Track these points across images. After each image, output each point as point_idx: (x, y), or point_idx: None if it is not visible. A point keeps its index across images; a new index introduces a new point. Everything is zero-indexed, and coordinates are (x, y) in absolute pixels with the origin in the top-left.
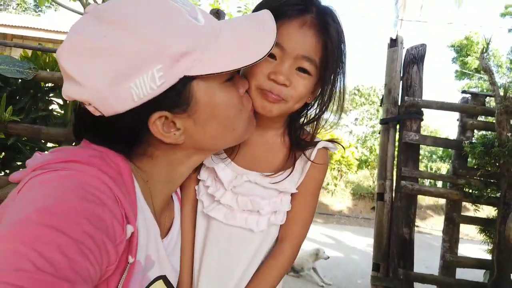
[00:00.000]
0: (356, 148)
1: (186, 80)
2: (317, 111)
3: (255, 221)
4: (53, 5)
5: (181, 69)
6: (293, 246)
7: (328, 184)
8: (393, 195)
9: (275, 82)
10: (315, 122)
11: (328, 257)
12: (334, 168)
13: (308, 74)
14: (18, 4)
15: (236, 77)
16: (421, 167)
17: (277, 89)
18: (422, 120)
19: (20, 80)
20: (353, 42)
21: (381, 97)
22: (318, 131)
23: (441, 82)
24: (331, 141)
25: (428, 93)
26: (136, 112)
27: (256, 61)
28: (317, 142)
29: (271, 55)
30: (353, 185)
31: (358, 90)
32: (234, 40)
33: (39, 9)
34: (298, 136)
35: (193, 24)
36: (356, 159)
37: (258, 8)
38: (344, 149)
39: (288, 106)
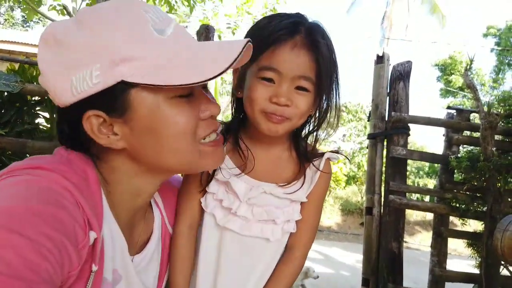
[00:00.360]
0: (344, 164)
1: (125, 86)
2: (315, 123)
3: (270, 230)
4: (41, 20)
5: (119, 73)
6: (303, 254)
7: None
8: (382, 209)
9: (277, 104)
10: (315, 134)
11: (318, 277)
12: None
13: (307, 91)
14: (5, 20)
15: (201, 99)
16: (408, 183)
17: (280, 110)
18: (409, 135)
19: (6, 93)
20: (339, 60)
21: (368, 113)
22: (319, 142)
23: (426, 100)
24: (335, 152)
25: (414, 110)
26: (76, 107)
27: (200, 82)
28: (323, 153)
29: (269, 80)
30: (342, 201)
31: (346, 107)
32: (192, 58)
33: (27, 24)
34: (305, 148)
35: (150, 35)
36: (344, 175)
37: (250, 35)
38: (350, 161)
39: (293, 123)
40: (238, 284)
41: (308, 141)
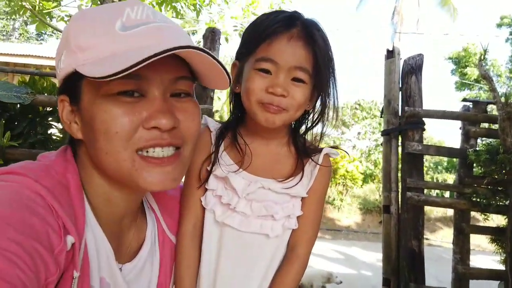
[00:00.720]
0: (361, 162)
1: (79, 75)
2: (315, 119)
3: (269, 226)
4: (55, 33)
5: (75, 62)
6: (306, 251)
7: (334, 199)
8: (399, 207)
9: (274, 94)
10: (320, 132)
11: (341, 282)
12: (339, 183)
13: (303, 82)
14: (20, 34)
15: (154, 106)
16: (427, 179)
17: (276, 100)
18: (424, 129)
19: (18, 105)
20: (350, 58)
21: (381, 109)
22: (320, 138)
23: (441, 94)
24: (333, 147)
25: (429, 105)
26: (59, 89)
27: (97, 77)
28: (322, 148)
29: (266, 71)
30: (360, 200)
31: (359, 104)
32: (118, 55)
33: (41, 37)
34: (304, 143)
35: (110, 29)
36: (361, 173)
37: (247, 31)
38: (348, 154)
39: (290, 115)
40: (240, 282)
41: (309, 138)
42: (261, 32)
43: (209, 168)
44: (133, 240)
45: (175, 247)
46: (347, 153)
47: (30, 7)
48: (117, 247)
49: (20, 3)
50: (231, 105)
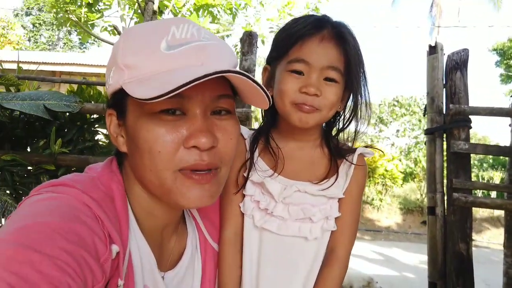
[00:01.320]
0: (400, 160)
1: (125, 93)
2: (346, 120)
3: (308, 228)
4: (96, 41)
5: (122, 79)
6: (345, 253)
7: (373, 199)
8: (445, 208)
9: (307, 94)
10: (349, 131)
11: None
12: (378, 183)
13: (335, 81)
14: (64, 43)
15: (194, 125)
16: (472, 177)
17: (310, 100)
18: (470, 128)
19: (67, 114)
20: (388, 54)
21: (423, 106)
22: (354, 139)
23: (485, 87)
24: (368, 147)
25: (473, 99)
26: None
27: (144, 99)
28: (355, 148)
29: (299, 72)
30: (400, 199)
31: (398, 101)
32: (163, 76)
33: (84, 46)
34: (337, 144)
35: (155, 49)
36: (401, 172)
37: (278, 36)
38: (384, 153)
39: (323, 114)
40: (282, 285)
41: (344, 138)
42: (292, 35)
43: (245, 174)
44: (175, 249)
45: (218, 254)
46: (382, 151)
47: (76, 19)
48: (159, 256)
49: (66, 16)
50: (263, 110)
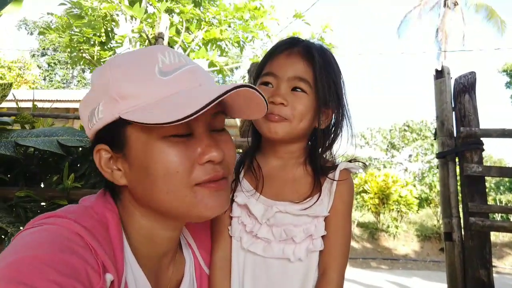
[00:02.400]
0: (414, 186)
1: (123, 122)
2: (328, 137)
3: (291, 250)
4: None
5: (117, 110)
6: (338, 274)
7: (388, 226)
8: (463, 233)
9: (274, 103)
10: (332, 149)
11: None
12: (393, 209)
13: (304, 92)
14: (78, 81)
15: (203, 142)
16: (489, 201)
17: (276, 109)
18: (483, 150)
19: (80, 148)
20: (397, 79)
21: (434, 131)
22: (335, 156)
23: (496, 109)
24: (351, 161)
25: (484, 122)
26: (92, 140)
27: (169, 122)
28: (338, 164)
29: (267, 84)
30: (416, 226)
31: (408, 126)
32: (175, 99)
33: None
34: (319, 162)
35: (150, 76)
36: (416, 198)
37: (261, 61)
38: (366, 166)
39: (293, 125)
40: None
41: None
42: (267, 55)
43: (230, 196)
44: (172, 277)
45: (208, 279)
46: (364, 164)
47: (89, 57)
48: (156, 285)
49: (80, 55)
50: (249, 134)
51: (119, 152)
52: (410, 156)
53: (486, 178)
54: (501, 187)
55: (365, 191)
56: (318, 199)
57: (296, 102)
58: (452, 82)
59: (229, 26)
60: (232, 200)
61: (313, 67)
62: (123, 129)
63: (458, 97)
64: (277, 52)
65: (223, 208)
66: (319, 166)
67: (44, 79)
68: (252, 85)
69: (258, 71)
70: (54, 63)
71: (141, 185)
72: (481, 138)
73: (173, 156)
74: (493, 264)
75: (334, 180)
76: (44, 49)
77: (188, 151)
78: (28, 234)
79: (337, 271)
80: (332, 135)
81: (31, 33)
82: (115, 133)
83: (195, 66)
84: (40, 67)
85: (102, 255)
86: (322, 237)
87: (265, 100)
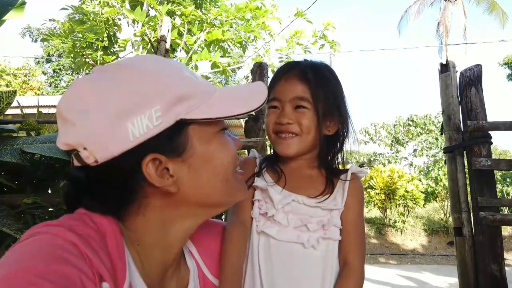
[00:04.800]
0: (420, 180)
1: (182, 124)
2: (340, 141)
3: (306, 237)
4: None
5: (177, 112)
6: (359, 262)
7: (395, 221)
8: (473, 228)
9: (281, 124)
10: (342, 154)
11: None
12: (399, 204)
13: (305, 108)
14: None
15: (230, 136)
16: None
17: (284, 128)
18: (491, 143)
19: None
20: (399, 75)
21: (439, 124)
22: (343, 161)
23: (500, 102)
24: (360, 166)
25: (490, 115)
26: (131, 153)
27: (248, 111)
28: (349, 168)
29: (275, 107)
30: (423, 220)
31: (412, 120)
32: (227, 96)
33: None
34: (332, 164)
35: (192, 78)
36: (422, 192)
37: (271, 85)
38: (372, 167)
39: (303, 139)
40: None
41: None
42: (271, 82)
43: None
44: (177, 286)
45: (220, 252)
46: (373, 167)
47: (93, 62)
48: None
49: (83, 60)
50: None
51: (177, 157)
52: (415, 150)
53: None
54: (508, 179)
55: (371, 187)
56: (330, 195)
57: (301, 118)
58: (458, 75)
59: (231, 27)
60: (254, 187)
61: (309, 85)
62: (183, 132)
63: (464, 91)
64: (277, 78)
65: (247, 192)
66: (331, 168)
67: (50, 85)
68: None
69: (268, 96)
70: (59, 69)
71: (198, 183)
72: (489, 132)
73: (228, 147)
74: (504, 257)
75: (346, 180)
76: (48, 55)
77: (231, 142)
78: (21, 246)
79: (356, 258)
80: (340, 139)
81: (35, 40)
82: (173, 138)
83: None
84: (45, 74)
85: (97, 264)
86: (340, 233)
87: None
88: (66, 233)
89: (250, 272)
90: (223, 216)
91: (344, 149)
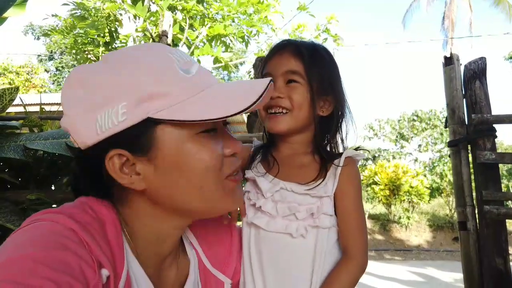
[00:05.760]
0: (425, 176)
1: (151, 123)
2: (334, 124)
3: (295, 226)
4: None
5: (146, 110)
6: (358, 250)
7: (400, 217)
8: (477, 222)
9: (272, 98)
10: (337, 139)
11: None
12: (404, 200)
13: (297, 82)
14: None
15: (224, 136)
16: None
17: (274, 102)
18: (496, 137)
19: None
20: (404, 70)
21: (444, 119)
22: (341, 142)
23: (505, 96)
24: (356, 149)
25: (495, 109)
26: (99, 146)
27: (223, 117)
28: (342, 152)
29: None
30: (428, 216)
31: (417, 115)
32: (215, 95)
33: None
34: (325, 149)
35: (176, 74)
36: (427, 188)
37: (264, 62)
38: (368, 151)
39: (294, 115)
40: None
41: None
42: (264, 60)
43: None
44: (176, 278)
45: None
46: (368, 151)
47: (95, 58)
48: (159, 286)
49: (85, 56)
50: (264, 133)
51: (142, 155)
52: (419, 146)
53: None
54: None
55: (375, 183)
56: (321, 182)
57: (292, 93)
58: (462, 69)
59: (233, 21)
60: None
61: (303, 59)
62: (150, 130)
63: (468, 84)
64: (271, 55)
65: (240, 202)
66: (326, 152)
67: (53, 83)
68: (269, 79)
69: (260, 74)
70: (62, 66)
71: (169, 186)
72: (494, 125)
73: (208, 151)
74: (509, 252)
75: (338, 166)
76: (51, 53)
77: (217, 145)
78: (20, 233)
79: (355, 246)
80: (335, 121)
81: (38, 38)
82: (139, 135)
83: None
84: (48, 71)
85: (96, 251)
86: (337, 222)
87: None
88: (65, 220)
89: (245, 265)
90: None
91: (342, 134)
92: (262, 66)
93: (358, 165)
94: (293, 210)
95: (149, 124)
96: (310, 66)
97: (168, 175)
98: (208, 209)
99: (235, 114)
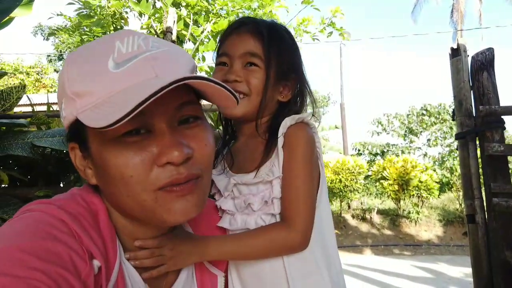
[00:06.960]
0: (434, 170)
1: (82, 123)
2: (294, 109)
3: (253, 220)
4: None
5: (75, 109)
6: (299, 224)
7: (409, 212)
8: (486, 215)
9: (228, 81)
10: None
11: None
12: (413, 195)
13: (256, 65)
14: None
15: (163, 141)
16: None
17: (231, 85)
18: (504, 128)
19: None
20: (412, 63)
21: (452, 111)
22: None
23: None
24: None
25: (504, 100)
26: (67, 137)
27: (101, 127)
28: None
29: (223, 63)
30: (438, 211)
31: (426, 109)
32: (118, 100)
33: None
34: (272, 128)
35: (103, 70)
36: (436, 182)
37: (220, 40)
38: (313, 115)
39: (251, 99)
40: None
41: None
42: (221, 37)
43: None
44: (170, 272)
45: None
46: (313, 114)
47: None
48: (151, 280)
49: None
50: (221, 121)
51: (85, 151)
52: (429, 140)
53: (508, 158)
54: None
55: (384, 178)
56: (266, 162)
57: (250, 77)
58: (469, 60)
59: (238, 17)
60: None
61: (263, 41)
62: (84, 129)
63: (475, 75)
64: (228, 32)
65: (190, 213)
66: (274, 129)
67: None
68: (204, 77)
69: (217, 53)
70: None
71: (106, 187)
72: (502, 116)
73: (125, 159)
74: None
75: (278, 137)
76: (60, 52)
77: (144, 151)
78: (10, 223)
79: (297, 217)
80: (294, 107)
81: (47, 39)
82: (80, 132)
83: (160, 52)
84: (57, 71)
85: (87, 242)
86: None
87: (229, 90)
88: (55, 210)
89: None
90: None
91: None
92: (218, 45)
93: (308, 131)
94: (248, 201)
95: (82, 123)
96: (270, 49)
97: (101, 175)
98: (146, 218)
99: (113, 125)
